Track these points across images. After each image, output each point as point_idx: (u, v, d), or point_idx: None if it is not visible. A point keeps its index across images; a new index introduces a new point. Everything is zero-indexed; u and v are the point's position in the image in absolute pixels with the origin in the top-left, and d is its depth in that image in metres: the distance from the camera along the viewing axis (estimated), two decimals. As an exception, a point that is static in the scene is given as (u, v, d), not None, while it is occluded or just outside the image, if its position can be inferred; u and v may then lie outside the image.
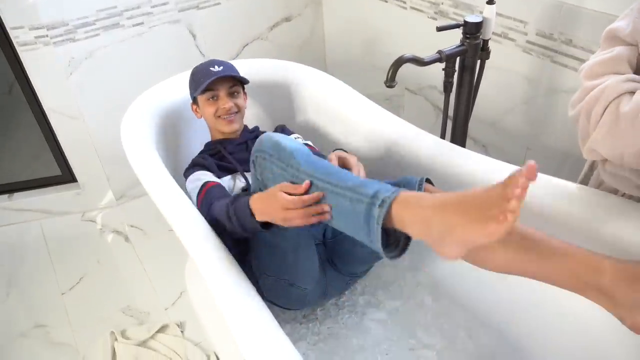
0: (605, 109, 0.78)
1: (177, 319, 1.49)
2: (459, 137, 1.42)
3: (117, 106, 1.53)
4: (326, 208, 0.80)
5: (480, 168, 1.07)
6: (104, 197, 1.95)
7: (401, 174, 1.20)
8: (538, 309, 1.04)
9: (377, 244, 0.76)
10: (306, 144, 1.27)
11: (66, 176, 1.92)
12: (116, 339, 1.42)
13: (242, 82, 1.24)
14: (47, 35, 1.56)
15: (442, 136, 1.44)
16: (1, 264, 1.75)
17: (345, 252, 1.12)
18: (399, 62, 1.13)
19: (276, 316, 0.84)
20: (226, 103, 1.20)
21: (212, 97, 1.21)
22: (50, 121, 1.75)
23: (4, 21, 1.53)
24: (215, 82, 1.18)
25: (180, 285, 1.58)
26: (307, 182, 0.81)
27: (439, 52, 1.21)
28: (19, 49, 1.58)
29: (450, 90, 1.32)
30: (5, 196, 1.91)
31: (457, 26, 1.23)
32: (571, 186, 0.94)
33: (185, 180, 1.19)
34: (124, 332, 1.45)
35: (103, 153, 1.84)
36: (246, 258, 1.09)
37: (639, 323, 0.71)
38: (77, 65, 1.66)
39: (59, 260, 1.75)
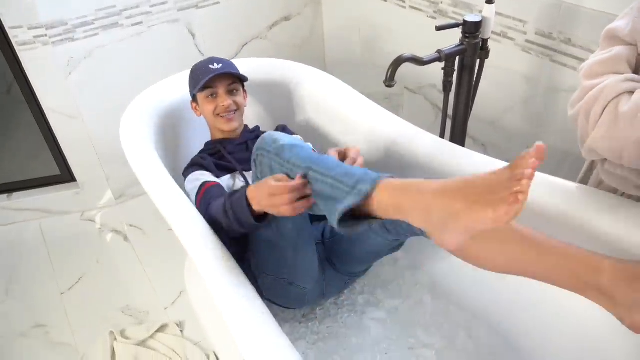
0: (605, 109, 0.78)
1: (177, 318, 1.49)
2: (459, 136, 1.42)
3: (116, 106, 1.53)
4: (308, 192, 0.81)
5: (480, 167, 1.06)
6: (103, 196, 1.95)
7: (401, 173, 1.20)
8: (537, 308, 1.04)
9: (335, 225, 0.77)
10: None
11: (65, 176, 1.92)
12: (115, 339, 1.42)
13: (241, 79, 1.24)
14: (46, 35, 1.56)
15: (442, 135, 1.44)
16: (0, 264, 1.75)
17: (344, 252, 1.12)
18: (399, 62, 1.13)
19: (275, 315, 0.84)
20: (225, 101, 1.19)
21: (211, 95, 1.20)
22: (49, 121, 1.75)
23: (2, 21, 1.53)
24: (214, 79, 1.18)
25: (179, 284, 1.58)
26: (299, 175, 0.82)
27: (439, 51, 1.20)
28: (17, 49, 1.58)
29: (450, 90, 1.32)
30: (5, 196, 1.90)
31: (456, 25, 1.23)
32: (570, 185, 0.94)
33: (184, 179, 1.19)
34: (123, 332, 1.45)
35: (102, 152, 1.84)
36: (245, 257, 1.09)
37: (638, 322, 0.71)
38: (76, 64, 1.66)
39: (58, 260, 1.75)
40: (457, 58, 1.27)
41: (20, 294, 1.64)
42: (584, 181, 1.02)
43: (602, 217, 0.87)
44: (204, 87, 1.19)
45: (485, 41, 1.25)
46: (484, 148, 1.66)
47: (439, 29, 1.23)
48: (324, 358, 1.13)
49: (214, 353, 1.37)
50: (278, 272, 1.03)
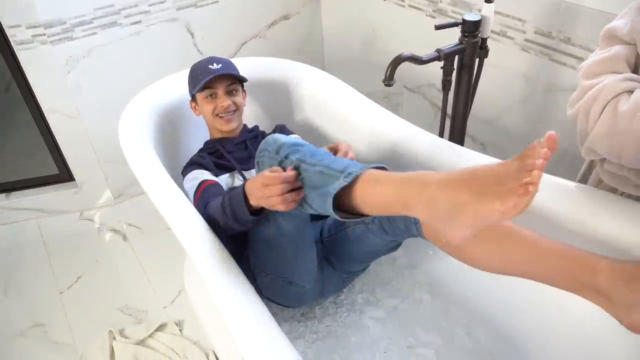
0: (604, 108, 0.78)
1: (176, 317, 1.49)
2: (458, 135, 1.42)
3: (115, 105, 1.53)
4: (299, 184, 0.81)
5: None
6: (101, 196, 1.94)
7: (399, 172, 1.20)
8: (537, 307, 1.04)
9: (329, 209, 0.76)
10: None
11: (64, 175, 1.92)
12: (114, 338, 1.42)
13: (240, 80, 1.24)
14: (44, 34, 1.56)
15: (441, 134, 1.44)
16: (-1, 263, 1.75)
17: (342, 251, 1.12)
18: (398, 61, 1.13)
19: (274, 314, 0.84)
20: (224, 101, 1.19)
21: (211, 95, 1.20)
22: (48, 120, 1.75)
23: (0, 20, 1.52)
24: (213, 80, 1.18)
25: (178, 283, 1.58)
26: (290, 167, 0.82)
27: (438, 50, 1.20)
28: (16, 48, 1.57)
29: (449, 89, 1.32)
30: (3, 195, 1.90)
31: (455, 24, 1.23)
32: (569, 185, 0.94)
33: (183, 178, 1.19)
34: (122, 331, 1.45)
35: (101, 152, 1.84)
36: (243, 254, 1.09)
37: (637, 322, 0.71)
38: (75, 64, 1.65)
39: (57, 260, 1.75)
40: (456, 57, 1.26)
41: (19, 293, 1.64)
42: (583, 180, 1.02)
43: (601, 217, 0.87)
44: (204, 88, 1.19)
45: (484, 40, 1.25)
46: (483, 147, 1.66)
47: (438, 28, 1.23)
48: (323, 357, 1.13)
49: (213, 352, 1.37)
50: (277, 271, 1.03)
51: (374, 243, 1.05)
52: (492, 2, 1.19)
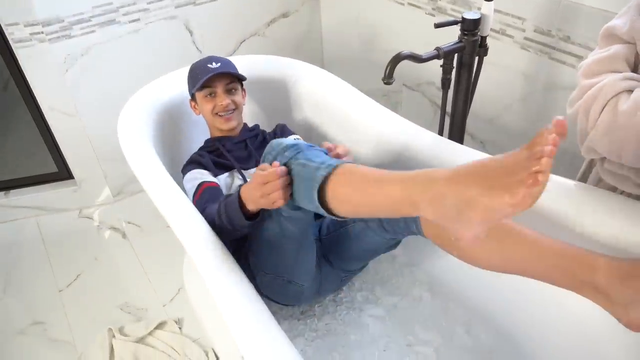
0: (604, 108, 0.78)
1: (175, 315, 1.49)
2: (457, 133, 1.42)
3: (114, 103, 1.52)
4: (288, 180, 0.82)
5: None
6: (101, 193, 1.94)
7: (399, 170, 1.20)
8: (536, 305, 1.05)
9: (315, 204, 0.77)
10: None
11: (63, 173, 1.91)
12: (114, 336, 1.42)
13: (239, 79, 1.24)
14: (42, 32, 1.55)
15: (440, 133, 1.44)
16: (-2, 262, 1.75)
17: (341, 249, 1.12)
18: (397, 59, 1.13)
19: (274, 313, 0.84)
20: (223, 100, 1.19)
21: (210, 94, 1.20)
22: (47, 118, 1.74)
23: (-2, 18, 1.52)
24: (212, 79, 1.18)
25: (178, 281, 1.58)
26: (276, 162, 0.83)
27: (437, 48, 1.20)
28: (14, 46, 1.57)
29: (448, 87, 1.32)
30: (2, 193, 1.90)
31: (455, 23, 1.23)
32: (569, 184, 0.95)
33: (183, 177, 1.19)
34: (121, 329, 1.45)
35: (100, 150, 1.83)
36: (242, 253, 1.09)
37: (635, 320, 0.71)
38: (73, 62, 1.65)
39: (56, 258, 1.75)
40: (456, 55, 1.26)
41: (19, 291, 1.64)
42: (583, 179, 1.02)
43: (601, 216, 0.87)
44: (203, 87, 1.19)
45: (483, 38, 1.25)
46: (482, 145, 1.67)
47: (437, 26, 1.23)
48: (322, 355, 1.13)
49: (213, 350, 1.37)
50: (277, 270, 1.03)
51: (373, 241, 1.05)
52: (491, 0, 1.19)
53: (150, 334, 1.43)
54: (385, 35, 1.87)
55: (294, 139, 1.27)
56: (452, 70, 1.29)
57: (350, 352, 1.13)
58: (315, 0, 2.11)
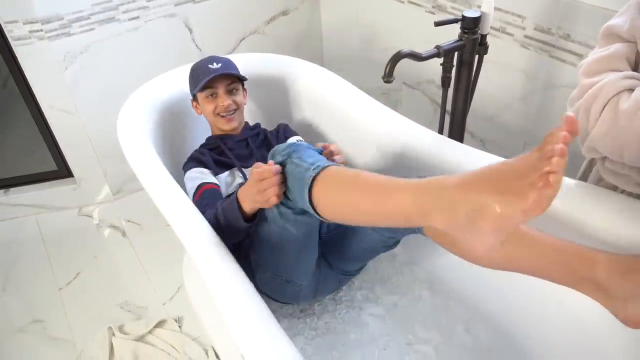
0: (604, 107, 0.78)
1: (175, 313, 1.49)
2: (457, 132, 1.42)
3: (113, 101, 1.52)
4: (281, 179, 0.83)
5: (478, 163, 1.06)
6: (100, 192, 1.94)
7: (399, 169, 1.20)
8: (536, 303, 1.05)
9: (306, 204, 0.78)
10: None
11: (62, 171, 1.91)
12: (114, 334, 1.42)
13: (240, 79, 1.24)
14: (41, 30, 1.55)
15: (440, 131, 1.44)
16: (-2, 260, 1.75)
17: (340, 248, 1.12)
18: (397, 57, 1.13)
19: (273, 311, 0.84)
20: (225, 101, 1.20)
21: (211, 95, 1.21)
22: (46, 116, 1.74)
23: (-3, 15, 1.52)
24: (214, 79, 1.19)
25: (177, 280, 1.58)
26: (271, 161, 0.84)
27: (437, 47, 1.20)
28: (13, 44, 1.56)
29: (448, 85, 1.32)
30: (2, 191, 1.90)
31: (455, 21, 1.23)
32: (569, 182, 0.94)
33: (184, 173, 1.19)
34: (121, 327, 1.45)
35: (99, 148, 1.83)
36: (241, 249, 1.09)
37: (632, 316, 0.71)
38: (73, 59, 1.65)
39: (55, 256, 1.75)
40: (456, 54, 1.26)
41: (18, 289, 1.64)
42: (583, 178, 1.02)
43: (601, 215, 0.87)
44: (204, 87, 1.20)
45: (484, 37, 1.25)
46: (482, 144, 1.66)
47: (437, 24, 1.22)
48: (322, 354, 1.14)
49: (213, 348, 1.37)
50: (277, 270, 1.04)
51: (372, 239, 1.05)
52: (491, -2, 1.18)
53: (150, 332, 1.43)
54: (385, 33, 1.87)
55: (296, 140, 1.28)
56: (452, 69, 1.29)
57: (349, 351, 1.13)
58: (315, -2, 2.11)
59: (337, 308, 1.22)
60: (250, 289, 0.85)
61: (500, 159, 1.04)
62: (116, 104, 1.36)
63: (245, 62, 1.41)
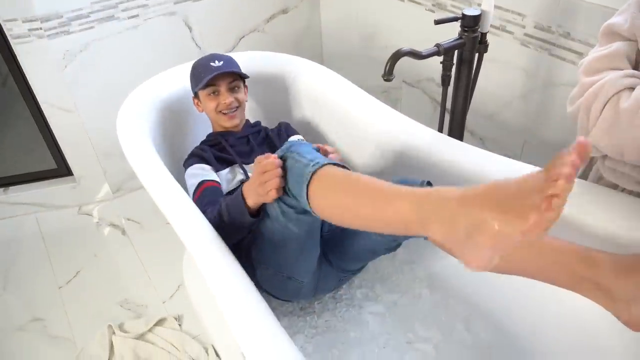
0: (605, 105, 0.78)
1: (175, 312, 1.50)
2: (457, 130, 1.42)
3: (113, 99, 1.52)
4: (282, 173, 0.84)
5: (478, 161, 1.06)
6: (100, 190, 1.94)
7: (399, 167, 1.20)
8: (536, 302, 1.05)
9: (304, 200, 0.78)
10: None
11: (62, 170, 1.91)
12: (114, 333, 1.42)
13: (242, 76, 1.25)
14: (41, 28, 1.54)
15: (440, 129, 1.44)
16: (-3, 258, 1.75)
17: (341, 247, 1.12)
18: (397, 56, 1.13)
19: (274, 309, 0.84)
20: (227, 98, 1.21)
21: (213, 93, 1.22)
22: (45, 114, 1.74)
23: (-3, 14, 1.52)
24: (216, 77, 1.19)
25: (177, 278, 1.58)
26: (272, 155, 0.85)
27: (437, 45, 1.20)
28: (12, 42, 1.56)
29: (448, 84, 1.32)
30: (1, 190, 1.90)
31: (455, 19, 1.23)
32: (569, 180, 0.94)
33: (185, 170, 1.19)
34: (121, 326, 1.45)
35: (99, 146, 1.83)
36: (241, 247, 1.09)
37: (635, 318, 0.71)
38: (72, 58, 1.64)
39: (55, 254, 1.75)
40: (456, 52, 1.26)
41: (18, 288, 1.64)
42: (584, 177, 1.02)
43: (601, 214, 0.87)
44: (206, 85, 1.20)
45: (484, 35, 1.25)
46: (482, 142, 1.66)
47: (437, 22, 1.22)
48: (322, 352, 1.14)
49: (213, 346, 1.38)
50: (279, 267, 1.04)
51: (374, 241, 1.05)
52: (492, -3, 1.18)
53: (150, 330, 1.43)
54: (385, 31, 1.87)
55: (298, 139, 1.28)
56: (452, 67, 1.29)
57: (349, 349, 1.13)
58: (314, -4, 2.10)
59: (337, 306, 1.23)
60: (251, 287, 0.85)
61: (501, 158, 1.04)
62: (116, 102, 1.36)
63: (245, 60, 1.41)
